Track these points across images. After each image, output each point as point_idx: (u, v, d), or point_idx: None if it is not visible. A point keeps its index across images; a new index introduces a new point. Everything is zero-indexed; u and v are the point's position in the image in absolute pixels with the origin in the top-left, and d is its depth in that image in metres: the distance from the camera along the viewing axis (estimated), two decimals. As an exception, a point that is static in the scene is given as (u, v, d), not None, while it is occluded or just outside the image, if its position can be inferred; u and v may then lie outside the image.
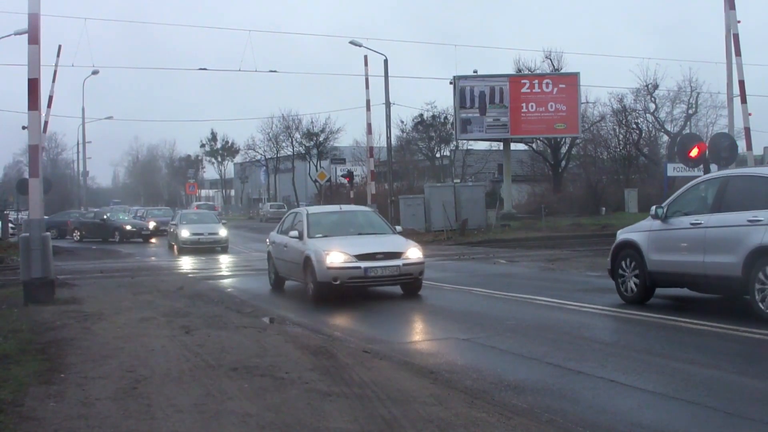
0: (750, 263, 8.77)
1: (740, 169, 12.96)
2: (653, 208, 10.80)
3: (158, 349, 7.86)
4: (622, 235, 11.32)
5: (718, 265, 9.29)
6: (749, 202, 9.16)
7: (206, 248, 26.53)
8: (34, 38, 12.12)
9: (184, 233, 26.63)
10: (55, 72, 31.35)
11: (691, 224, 9.83)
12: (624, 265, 10.92)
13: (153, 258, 25.67)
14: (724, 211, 9.42)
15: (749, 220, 8.91)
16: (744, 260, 8.82)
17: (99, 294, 13.55)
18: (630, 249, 10.86)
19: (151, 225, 36.21)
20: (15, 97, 49.06)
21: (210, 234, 26.84)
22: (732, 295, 9.91)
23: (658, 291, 10.82)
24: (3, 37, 28.18)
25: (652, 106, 43.53)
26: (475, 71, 38.43)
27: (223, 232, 27.14)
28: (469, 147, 53.49)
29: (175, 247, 27.23)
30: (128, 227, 35.48)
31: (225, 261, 23.49)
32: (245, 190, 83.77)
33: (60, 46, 31.54)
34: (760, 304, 8.74)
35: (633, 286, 10.75)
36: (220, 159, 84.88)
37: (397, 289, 13.21)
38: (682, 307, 10.46)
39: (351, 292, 12.63)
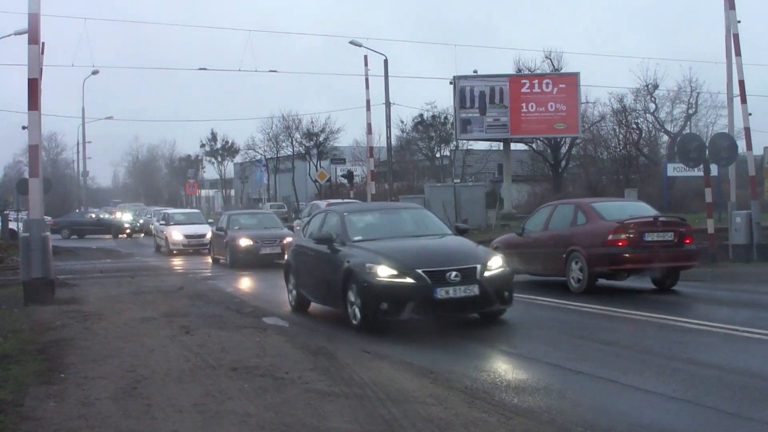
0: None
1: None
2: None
3: (158, 349, 7.85)
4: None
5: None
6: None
7: None
8: (34, 38, 12.14)
9: None
10: (41, 70, 31.20)
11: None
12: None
13: (153, 258, 25.67)
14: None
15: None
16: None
17: (99, 294, 13.55)
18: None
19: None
20: (15, 97, 48.92)
21: None
22: None
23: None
24: (3, 37, 28.19)
25: (652, 106, 43.40)
26: (475, 71, 38.45)
27: None
28: (469, 147, 53.40)
29: None
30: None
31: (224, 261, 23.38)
32: (245, 190, 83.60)
33: (43, 44, 31.44)
34: None
35: None
36: (220, 159, 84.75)
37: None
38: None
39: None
